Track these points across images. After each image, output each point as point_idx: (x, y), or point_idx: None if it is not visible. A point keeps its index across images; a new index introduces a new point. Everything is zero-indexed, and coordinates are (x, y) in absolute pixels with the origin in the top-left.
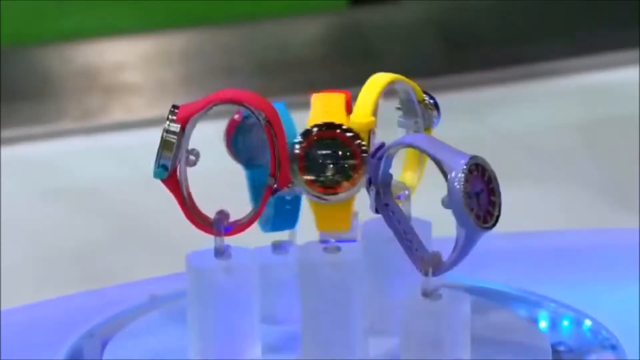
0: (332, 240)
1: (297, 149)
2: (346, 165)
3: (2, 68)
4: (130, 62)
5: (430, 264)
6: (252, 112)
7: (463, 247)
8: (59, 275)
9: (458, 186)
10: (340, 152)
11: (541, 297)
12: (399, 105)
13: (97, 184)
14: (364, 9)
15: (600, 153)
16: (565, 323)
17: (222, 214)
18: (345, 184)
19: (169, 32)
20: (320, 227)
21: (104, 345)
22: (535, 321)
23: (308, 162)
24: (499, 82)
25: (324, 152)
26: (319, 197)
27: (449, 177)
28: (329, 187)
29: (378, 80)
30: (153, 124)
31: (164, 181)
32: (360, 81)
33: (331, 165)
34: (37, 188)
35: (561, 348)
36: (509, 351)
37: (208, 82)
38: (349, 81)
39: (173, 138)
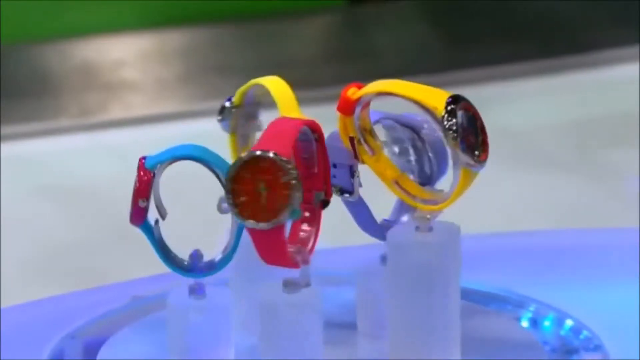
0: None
1: (455, 124)
2: (479, 130)
3: (1, 65)
4: (129, 60)
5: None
6: (310, 133)
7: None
8: (56, 274)
9: None
10: (474, 119)
11: (533, 299)
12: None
13: (95, 182)
14: (363, 8)
15: (599, 151)
16: (547, 323)
17: (298, 247)
18: (485, 148)
19: (168, 30)
20: (457, 195)
21: (85, 346)
22: (519, 321)
23: (464, 136)
24: (498, 79)
25: (466, 123)
26: (480, 166)
27: None
28: (481, 155)
29: (280, 81)
30: (152, 121)
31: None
32: (360, 80)
33: (474, 134)
34: (36, 185)
35: (547, 348)
36: (503, 354)
37: (207, 80)
38: (349, 80)
39: (297, 176)
